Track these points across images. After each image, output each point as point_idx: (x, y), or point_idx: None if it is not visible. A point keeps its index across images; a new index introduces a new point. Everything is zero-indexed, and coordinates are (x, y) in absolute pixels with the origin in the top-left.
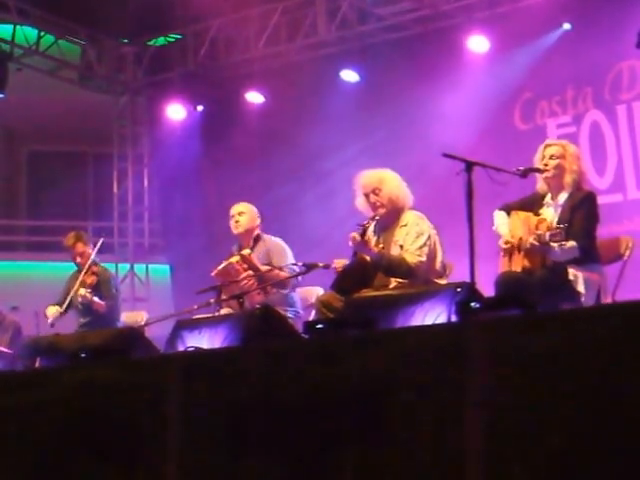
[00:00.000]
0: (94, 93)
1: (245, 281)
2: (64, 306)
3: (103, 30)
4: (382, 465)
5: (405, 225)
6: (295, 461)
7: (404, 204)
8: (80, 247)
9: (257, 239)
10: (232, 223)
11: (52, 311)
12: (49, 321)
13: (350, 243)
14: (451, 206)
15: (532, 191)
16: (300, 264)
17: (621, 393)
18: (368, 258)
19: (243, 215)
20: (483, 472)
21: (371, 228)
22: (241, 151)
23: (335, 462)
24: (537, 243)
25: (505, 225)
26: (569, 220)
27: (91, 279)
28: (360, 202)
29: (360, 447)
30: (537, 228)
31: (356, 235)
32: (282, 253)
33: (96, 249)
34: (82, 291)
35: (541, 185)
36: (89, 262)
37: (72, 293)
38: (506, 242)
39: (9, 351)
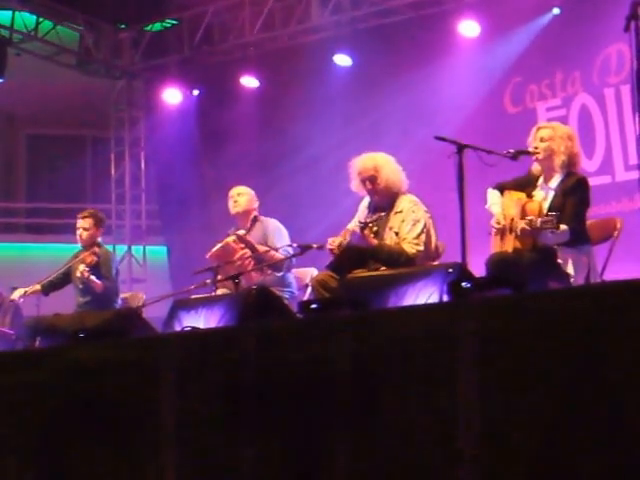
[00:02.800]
0: (92, 78)
1: (241, 260)
2: (44, 282)
3: (101, 16)
4: (377, 444)
5: (400, 212)
6: (291, 439)
7: (399, 189)
8: (88, 223)
9: (255, 220)
10: (231, 203)
11: (15, 294)
12: (12, 296)
13: (345, 232)
14: (443, 187)
15: (528, 170)
16: (295, 245)
17: (605, 367)
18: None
19: (242, 196)
20: (480, 449)
21: (365, 203)
22: (236, 134)
23: (331, 440)
24: (528, 228)
25: (498, 205)
26: (561, 204)
27: (91, 258)
28: (355, 184)
29: (355, 425)
30: (525, 210)
31: (356, 229)
32: (278, 234)
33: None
34: (81, 267)
35: (535, 166)
36: (94, 243)
37: (64, 269)
38: (497, 223)
39: (10, 332)
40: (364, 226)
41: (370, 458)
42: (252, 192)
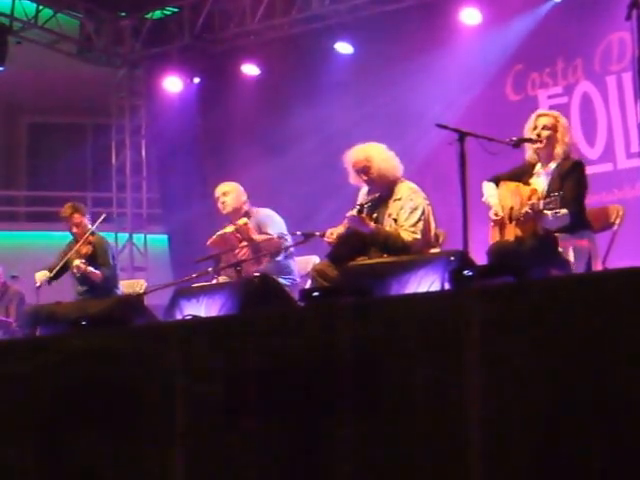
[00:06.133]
0: (92, 66)
1: (241, 252)
2: (54, 272)
3: (101, 4)
4: (380, 431)
5: (399, 199)
6: (293, 427)
7: (395, 176)
8: (77, 218)
9: (247, 215)
10: (219, 205)
11: (40, 276)
12: (37, 285)
13: (346, 221)
14: (444, 175)
15: (524, 160)
16: (298, 233)
17: (608, 355)
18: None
19: (228, 195)
20: (482, 436)
21: (364, 191)
22: (237, 122)
23: (333, 428)
24: (531, 212)
25: (494, 196)
26: (559, 187)
27: (86, 249)
28: (353, 177)
29: (357, 413)
30: (529, 199)
31: (353, 213)
32: (270, 221)
33: (97, 224)
34: (76, 262)
35: (530, 154)
36: (87, 233)
37: (63, 263)
38: (496, 214)
39: (10, 320)
40: (361, 209)
41: (373, 444)
42: (237, 186)
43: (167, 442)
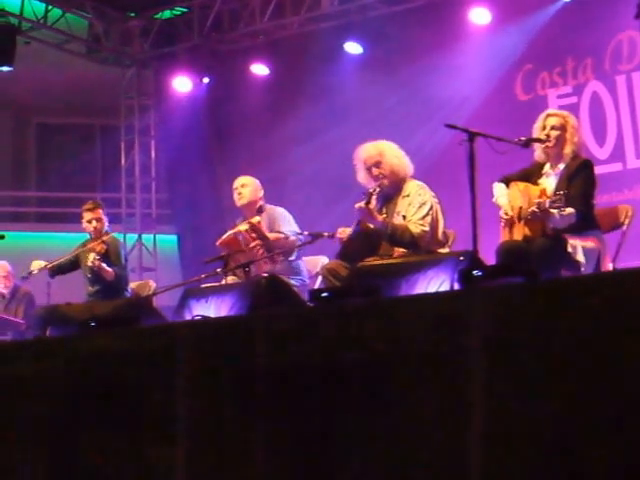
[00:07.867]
0: (101, 66)
1: (255, 250)
2: (58, 261)
3: (110, 4)
4: (385, 431)
5: (407, 195)
6: (299, 427)
7: (405, 174)
8: (99, 213)
9: (260, 210)
10: (235, 195)
11: (35, 265)
12: (31, 269)
13: (355, 213)
14: (454, 175)
15: (533, 160)
16: (306, 233)
17: (609, 356)
18: (372, 227)
19: (246, 187)
20: (486, 437)
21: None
22: (246, 122)
23: (339, 429)
24: (538, 211)
25: (504, 197)
26: (567, 187)
27: (100, 247)
28: (362, 176)
29: (364, 413)
30: (539, 198)
31: (361, 204)
32: (284, 220)
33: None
34: (91, 256)
35: (539, 154)
36: (104, 231)
37: (72, 256)
38: (506, 213)
39: (21, 321)
40: (369, 198)
41: (378, 445)
42: (256, 181)
43: (171, 442)
